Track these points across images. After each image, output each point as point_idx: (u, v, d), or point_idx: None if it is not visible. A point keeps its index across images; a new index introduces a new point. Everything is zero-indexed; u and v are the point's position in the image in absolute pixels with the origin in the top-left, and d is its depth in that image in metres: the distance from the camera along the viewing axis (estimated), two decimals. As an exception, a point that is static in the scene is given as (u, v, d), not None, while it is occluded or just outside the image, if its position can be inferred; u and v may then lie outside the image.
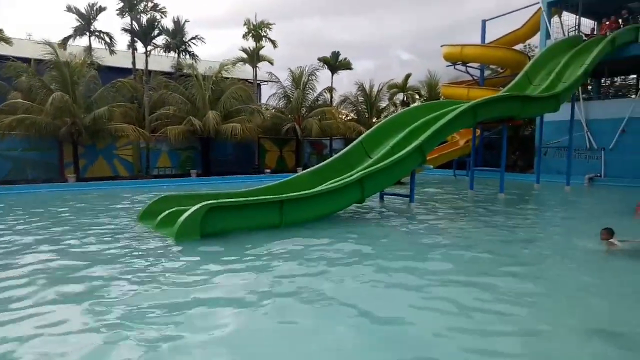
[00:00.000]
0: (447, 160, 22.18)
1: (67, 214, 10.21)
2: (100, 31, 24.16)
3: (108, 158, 20.71)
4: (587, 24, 21.76)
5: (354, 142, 12.01)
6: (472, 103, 12.44)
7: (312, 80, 27.08)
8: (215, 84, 23.38)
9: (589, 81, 22.06)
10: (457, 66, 22.78)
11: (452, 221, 9.91)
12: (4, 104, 18.71)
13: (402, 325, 4.02)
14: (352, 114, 31.06)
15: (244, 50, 27.75)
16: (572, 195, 15.16)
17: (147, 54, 24.17)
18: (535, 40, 23.77)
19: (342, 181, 9.56)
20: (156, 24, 24.01)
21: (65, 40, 23.49)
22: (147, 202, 9.37)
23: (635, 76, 24.73)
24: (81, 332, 3.80)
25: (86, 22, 23.71)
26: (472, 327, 3.96)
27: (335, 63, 30.15)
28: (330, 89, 29.79)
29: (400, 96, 32.04)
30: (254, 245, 6.92)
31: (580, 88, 18.56)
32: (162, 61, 26.45)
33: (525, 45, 25.80)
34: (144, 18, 23.55)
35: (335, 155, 11.82)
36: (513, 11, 23.33)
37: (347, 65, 30.67)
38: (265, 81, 30.35)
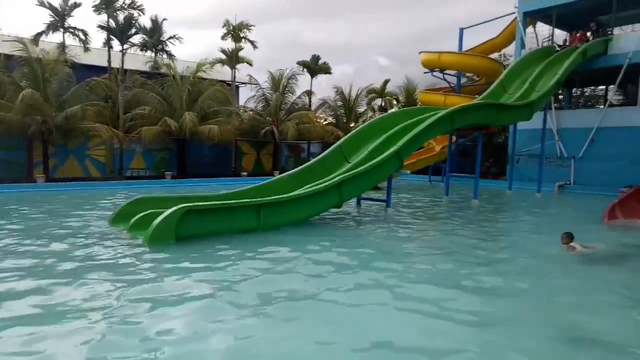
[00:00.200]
0: (423, 166, 22.46)
1: (34, 216, 9.86)
2: (74, 28, 23.58)
3: (80, 158, 20.17)
4: (560, 35, 22.45)
5: (333, 147, 12.04)
6: (449, 110, 12.64)
7: (292, 83, 27.09)
8: (193, 84, 23.09)
9: (560, 91, 22.74)
10: (434, 73, 23.19)
11: (428, 226, 10.02)
12: (-30, 100, 18.02)
13: (373, 328, 4.02)
14: (330, 118, 31.16)
15: (223, 51, 27.54)
16: (542, 202, 15.55)
17: (123, 53, 23.69)
18: (511, 49, 24.38)
19: (321, 185, 9.55)
20: (133, 22, 23.57)
21: (37, 36, 22.79)
22: (121, 204, 9.13)
23: (604, 87, 25.60)
24: (36, 338, 3.62)
25: (60, 18, 23.09)
26: (441, 328, 4.01)
27: (315, 67, 30.22)
28: (309, 93, 29.83)
29: (378, 101, 32.33)
30: (230, 249, 6.82)
31: (552, 97, 19.11)
32: (138, 60, 25.97)
33: (501, 55, 26.42)
34: (121, 16, 23.10)
35: (314, 159, 11.83)
36: (490, 20, 23.89)
37: (326, 70, 30.78)
38: (244, 83, 30.16)
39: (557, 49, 20.03)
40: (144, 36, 25.11)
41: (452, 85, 23.97)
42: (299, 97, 28.11)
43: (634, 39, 18.57)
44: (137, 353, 3.43)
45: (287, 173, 11.41)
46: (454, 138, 17.91)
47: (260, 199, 8.66)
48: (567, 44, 20.51)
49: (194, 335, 3.78)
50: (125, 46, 23.78)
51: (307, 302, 4.68)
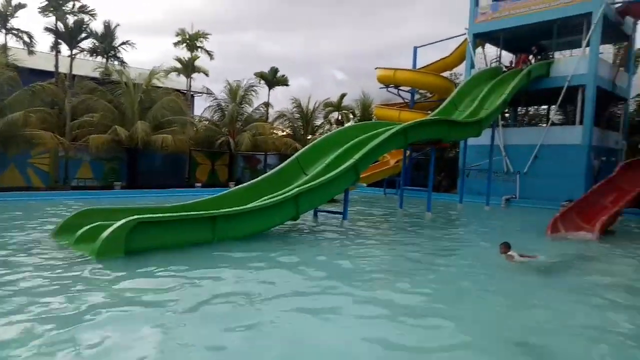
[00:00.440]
0: (379, 179, 22.88)
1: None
2: (18, 29, 22.40)
3: (21, 167, 19.00)
4: (507, 56, 23.69)
5: (290, 159, 12.04)
6: (403, 125, 12.98)
7: (250, 94, 26.92)
8: (146, 92, 22.43)
9: (507, 109, 23.93)
10: (389, 88, 23.78)
11: (383, 237, 10.16)
12: None
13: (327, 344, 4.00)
14: (287, 130, 31.18)
15: (179, 59, 27.00)
16: (490, 215, 16.19)
17: (72, 57, 22.70)
18: (461, 68, 25.42)
19: (277, 197, 9.49)
20: (84, 26, 22.66)
21: (-25, 37, 21.49)
22: (65, 216, 8.66)
23: (546, 107, 27.20)
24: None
25: (2, 18, 21.88)
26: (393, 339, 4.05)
27: (272, 79, 30.20)
28: (267, 104, 29.74)
29: (335, 115, 32.72)
30: (182, 262, 6.60)
31: (499, 115, 20.05)
32: (88, 66, 24.96)
33: (452, 73, 27.51)
34: (70, 19, 22.17)
35: (271, 171, 11.77)
36: (442, 40, 24.86)
37: (284, 82, 30.83)
38: (199, 93, 29.65)
39: (504, 69, 21.13)
40: (95, 41, 24.19)
41: (407, 100, 24.68)
42: (256, 108, 27.97)
43: (573, 63, 19.89)
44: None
45: (243, 185, 11.28)
46: (408, 152, 18.38)
47: (214, 210, 8.48)
48: (513, 65, 21.68)
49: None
50: (75, 51, 22.81)
51: (260, 321, 4.57)
